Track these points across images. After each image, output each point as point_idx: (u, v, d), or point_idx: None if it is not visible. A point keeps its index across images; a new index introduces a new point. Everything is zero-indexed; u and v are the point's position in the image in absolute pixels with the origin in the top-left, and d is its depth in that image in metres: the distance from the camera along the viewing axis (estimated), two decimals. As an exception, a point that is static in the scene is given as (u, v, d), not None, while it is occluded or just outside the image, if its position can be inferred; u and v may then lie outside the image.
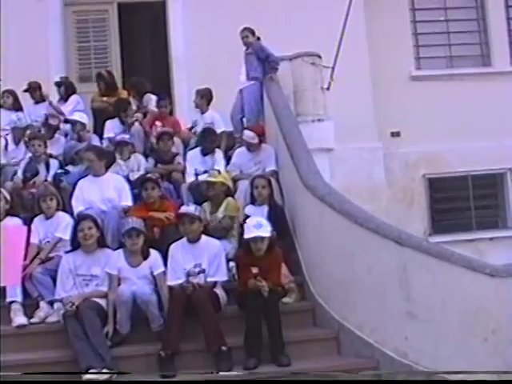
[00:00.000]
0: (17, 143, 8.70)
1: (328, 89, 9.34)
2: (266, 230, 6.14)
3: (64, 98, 9.66)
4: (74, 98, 9.62)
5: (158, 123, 9.04)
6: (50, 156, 8.25)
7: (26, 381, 5.50)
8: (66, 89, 9.70)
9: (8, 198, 7.10)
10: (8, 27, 10.98)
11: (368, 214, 6.05)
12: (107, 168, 7.59)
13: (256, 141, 8.11)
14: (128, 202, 7.26)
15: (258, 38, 9.18)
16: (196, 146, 8.43)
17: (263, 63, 9.01)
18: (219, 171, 7.53)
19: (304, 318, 6.53)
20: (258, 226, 6.13)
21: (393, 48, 11.87)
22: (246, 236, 6.16)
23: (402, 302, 5.54)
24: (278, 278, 6.21)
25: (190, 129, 9.23)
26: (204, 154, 8.18)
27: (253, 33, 9.15)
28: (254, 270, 6.06)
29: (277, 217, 6.96)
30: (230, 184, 7.45)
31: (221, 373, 5.67)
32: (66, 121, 8.96)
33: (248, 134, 8.22)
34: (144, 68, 11.96)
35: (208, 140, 8.26)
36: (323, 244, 6.53)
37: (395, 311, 5.60)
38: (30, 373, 5.41)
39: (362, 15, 11.39)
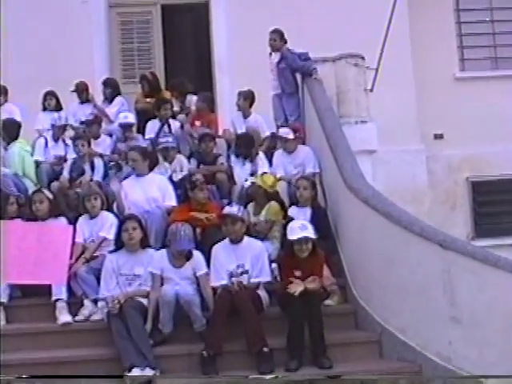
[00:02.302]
0: (56, 141, 8.81)
1: (371, 90, 9.30)
2: (310, 232, 6.13)
3: (109, 99, 9.75)
4: (118, 100, 9.71)
5: (197, 122, 9.08)
6: (101, 155, 8.35)
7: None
8: (113, 89, 9.78)
9: (51, 197, 7.20)
10: (53, 29, 11.16)
11: (412, 217, 6.00)
12: (151, 169, 7.66)
13: (291, 136, 8.06)
14: (172, 201, 7.32)
15: (285, 42, 9.12)
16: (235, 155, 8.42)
17: (294, 73, 8.99)
18: (264, 173, 7.53)
19: (346, 321, 6.50)
20: (303, 228, 6.12)
21: (437, 49, 11.75)
22: (290, 237, 6.13)
23: (445, 307, 5.48)
24: (320, 278, 6.19)
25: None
26: (244, 156, 8.18)
27: (281, 36, 9.09)
28: (297, 273, 6.06)
29: (319, 219, 6.94)
30: (277, 188, 7.42)
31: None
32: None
33: (283, 131, 8.21)
34: (187, 69, 12.02)
35: (243, 147, 8.20)
36: (366, 246, 6.50)
37: (439, 315, 5.54)
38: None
39: (406, 16, 11.29)
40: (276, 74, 9.10)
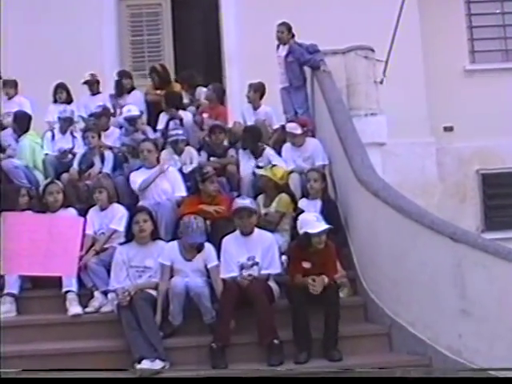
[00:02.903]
0: (63, 133, 8.82)
1: (381, 83, 9.27)
2: (323, 224, 6.11)
3: (120, 91, 9.72)
4: (134, 94, 9.70)
5: (204, 115, 9.08)
6: (110, 148, 8.37)
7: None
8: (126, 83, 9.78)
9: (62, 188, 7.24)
10: (63, 21, 11.17)
11: (422, 210, 5.99)
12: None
13: (299, 131, 8.03)
14: (182, 192, 7.35)
15: (293, 36, 9.09)
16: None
17: (302, 66, 8.98)
18: (273, 166, 7.53)
19: (356, 314, 6.49)
20: (320, 220, 6.13)
21: (447, 41, 11.71)
22: (310, 230, 6.07)
23: (456, 300, 5.46)
24: (334, 273, 6.19)
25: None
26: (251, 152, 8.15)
27: (289, 29, 9.06)
28: (306, 265, 6.06)
29: (330, 211, 6.94)
30: (288, 180, 7.43)
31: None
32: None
33: (290, 125, 8.19)
34: (196, 62, 12.01)
35: (249, 140, 8.15)
36: (376, 239, 6.49)
37: (449, 308, 5.54)
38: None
39: (416, 8, 11.25)
40: (284, 68, 9.08)
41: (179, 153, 8.06)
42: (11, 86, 9.74)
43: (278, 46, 9.18)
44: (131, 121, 8.72)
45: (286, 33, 9.03)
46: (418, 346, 5.82)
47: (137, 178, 7.43)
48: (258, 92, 9.08)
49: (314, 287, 5.89)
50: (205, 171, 7.19)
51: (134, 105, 9.00)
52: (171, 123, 8.75)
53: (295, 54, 8.96)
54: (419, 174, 11.11)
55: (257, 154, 8.04)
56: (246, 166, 7.95)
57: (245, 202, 6.51)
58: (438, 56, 11.53)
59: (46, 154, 8.56)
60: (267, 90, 9.20)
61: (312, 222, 6.12)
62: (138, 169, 7.65)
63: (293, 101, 9.05)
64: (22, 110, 9.07)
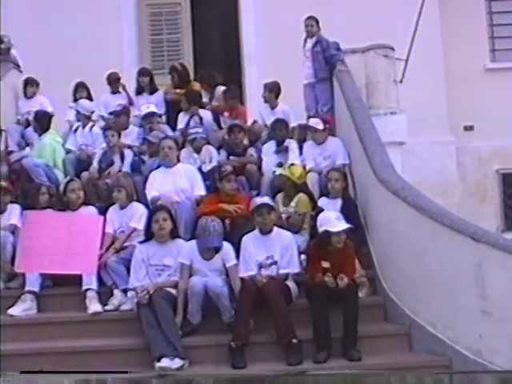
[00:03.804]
0: (84, 127, 8.89)
1: (401, 81, 9.23)
2: (344, 224, 6.10)
3: (142, 88, 9.75)
4: (158, 94, 9.72)
5: (225, 114, 9.08)
6: (129, 147, 8.40)
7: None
8: (151, 79, 9.78)
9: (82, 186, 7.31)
10: (83, 21, 11.24)
11: (442, 209, 5.95)
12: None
13: (321, 126, 8.03)
14: (201, 191, 7.35)
15: (319, 29, 9.15)
16: (268, 139, 8.45)
17: (327, 59, 8.99)
18: (292, 164, 7.53)
19: (375, 313, 6.46)
20: (340, 219, 6.13)
21: (467, 40, 11.66)
22: (331, 229, 6.04)
23: (476, 300, 5.42)
24: (352, 273, 6.17)
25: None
26: (278, 145, 8.19)
27: (317, 22, 9.12)
28: (325, 264, 6.04)
29: (350, 210, 6.92)
30: (306, 179, 7.43)
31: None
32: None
33: (313, 120, 8.20)
34: (215, 61, 12.03)
35: (279, 130, 8.27)
36: (396, 238, 6.46)
37: (469, 308, 5.49)
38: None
39: (436, 6, 11.22)
40: (310, 60, 9.08)
41: (198, 151, 8.08)
42: (32, 85, 9.81)
43: (305, 41, 9.20)
44: (148, 118, 8.74)
45: (315, 26, 9.10)
46: (437, 347, 5.78)
47: (153, 184, 7.39)
48: (273, 91, 9.09)
49: (332, 283, 5.87)
50: (222, 170, 7.20)
51: (155, 105, 9.05)
52: (191, 121, 8.77)
53: (322, 45, 9.00)
54: (439, 174, 11.06)
55: (282, 148, 8.07)
56: (269, 161, 7.97)
57: (263, 199, 6.54)
58: (459, 54, 11.47)
59: (67, 153, 8.60)
60: (286, 88, 9.17)
61: (332, 220, 6.10)
62: (157, 167, 7.66)
63: (317, 97, 9.04)
64: (42, 110, 9.16)
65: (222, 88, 9.54)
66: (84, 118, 8.91)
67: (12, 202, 7.31)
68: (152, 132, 8.48)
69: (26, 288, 6.60)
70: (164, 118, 9.31)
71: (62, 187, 7.30)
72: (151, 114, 8.80)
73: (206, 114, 8.98)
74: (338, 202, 7.08)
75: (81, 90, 9.65)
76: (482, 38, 12.07)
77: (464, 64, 11.58)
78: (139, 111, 9.20)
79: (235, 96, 9.24)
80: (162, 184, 7.34)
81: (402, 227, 6.33)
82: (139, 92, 9.74)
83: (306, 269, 6.36)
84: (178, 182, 7.38)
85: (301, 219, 7.01)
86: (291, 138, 8.44)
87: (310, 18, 9.14)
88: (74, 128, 8.94)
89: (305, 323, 6.00)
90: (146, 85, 9.71)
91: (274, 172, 7.55)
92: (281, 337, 5.89)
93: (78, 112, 8.99)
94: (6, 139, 9.05)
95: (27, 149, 8.81)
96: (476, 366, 5.35)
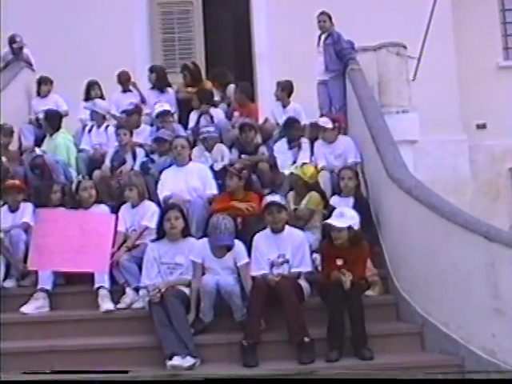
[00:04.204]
0: (98, 127, 8.93)
1: (413, 80, 9.21)
2: (343, 221, 6.06)
3: (156, 86, 9.77)
4: (171, 92, 9.74)
5: (235, 113, 9.08)
6: (140, 146, 8.42)
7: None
8: (157, 76, 9.80)
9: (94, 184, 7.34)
10: (95, 20, 11.28)
11: (455, 208, 5.91)
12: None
13: (330, 125, 8.02)
14: (213, 190, 7.35)
15: (333, 25, 9.17)
16: (280, 137, 8.44)
17: (338, 53, 8.99)
18: (304, 164, 7.52)
19: (387, 312, 6.44)
20: (339, 215, 6.09)
21: (480, 37, 11.63)
22: (330, 221, 6.07)
23: (489, 299, 5.38)
24: (362, 272, 6.15)
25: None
26: (290, 144, 8.18)
27: (330, 18, 9.14)
28: (339, 262, 6.03)
29: (362, 209, 6.88)
30: (318, 178, 7.41)
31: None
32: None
33: (322, 119, 8.20)
34: (227, 59, 12.05)
35: (292, 129, 8.29)
36: (408, 237, 6.43)
37: (482, 308, 5.46)
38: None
39: (449, 4, 11.19)
40: (322, 54, 9.09)
41: (210, 150, 8.09)
42: (46, 84, 9.85)
43: (319, 37, 9.20)
44: (162, 117, 8.76)
45: (328, 21, 9.12)
46: (450, 346, 5.75)
47: (165, 184, 7.40)
48: (285, 90, 9.11)
49: (346, 281, 5.85)
50: (228, 167, 7.24)
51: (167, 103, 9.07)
52: (202, 119, 8.78)
53: (333, 37, 9.02)
54: (451, 172, 11.04)
55: (294, 141, 8.10)
56: (282, 159, 7.99)
57: (274, 198, 6.52)
58: (471, 52, 11.44)
59: (80, 151, 8.63)
60: (298, 87, 9.19)
61: (332, 215, 6.11)
62: (169, 166, 7.67)
63: (330, 94, 9.03)
64: (52, 109, 9.19)
65: (233, 86, 9.55)
66: (100, 118, 8.93)
67: (25, 200, 7.34)
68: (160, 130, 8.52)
69: (39, 286, 6.63)
70: (176, 116, 9.31)
71: (74, 186, 7.32)
72: (165, 113, 8.80)
73: (218, 113, 8.97)
74: (350, 201, 7.06)
75: (93, 88, 9.67)
76: (494, 36, 12.04)
77: (477, 62, 11.55)
78: (152, 109, 9.20)
79: (244, 91, 9.23)
80: (174, 183, 7.35)
81: (415, 226, 6.30)
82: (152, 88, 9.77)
83: (321, 267, 6.34)
84: (190, 180, 7.39)
85: (309, 213, 6.98)
86: (303, 136, 8.44)
87: (322, 13, 9.17)
88: (87, 128, 8.96)
89: (317, 322, 5.99)
90: (153, 81, 9.72)
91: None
92: (293, 335, 5.88)
93: (92, 111, 9.00)
94: (20, 139, 9.11)
95: (36, 148, 8.84)
96: (489, 365, 5.32)
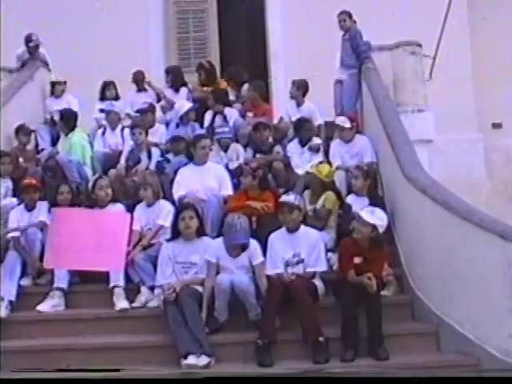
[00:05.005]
0: (113, 129, 8.95)
1: (429, 79, 9.16)
2: (372, 218, 6.09)
3: (172, 87, 9.78)
4: (184, 91, 9.76)
5: (249, 114, 9.06)
6: (156, 145, 8.44)
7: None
8: (174, 77, 9.82)
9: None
10: (110, 19, 11.31)
11: (471, 207, 5.89)
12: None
13: (348, 125, 8.01)
14: (228, 191, 7.35)
15: (355, 22, 9.14)
16: (295, 137, 8.44)
17: (355, 49, 8.98)
18: (320, 163, 7.51)
19: (402, 312, 6.43)
20: (370, 212, 6.16)
21: (496, 36, 11.51)
22: (361, 214, 6.12)
23: (505, 299, 5.35)
24: (379, 273, 6.14)
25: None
26: (302, 144, 8.18)
27: (350, 16, 9.11)
28: (357, 260, 6.04)
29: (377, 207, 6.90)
30: (334, 177, 7.40)
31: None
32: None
33: (340, 119, 8.18)
34: (242, 59, 12.02)
35: (302, 129, 8.27)
36: (423, 237, 6.42)
37: (498, 308, 5.43)
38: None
39: (465, 2, 11.10)
40: (340, 49, 9.10)
41: (226, 149, 8.10)
42: (60, 84, 9.89)
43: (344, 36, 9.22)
44: (187, 116, 8.80)
45: (347, 20, 9.09)
46: (466, 346, 5.72)
47: (181, 182, 7.42)
48: (300, 89, 9.07)
49: (371, 285, 5.86)
50: (243, 166, 7.27)
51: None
52: (216, 119, 8.79)
53: (351, 33, 9.00)
54: (466, 172, 10.96)
55: (306, 142, 8.11)
56: (300, 160, 7.99)
57: (289, 197, 6.50)
58: (487, 51, 11.35)
59: (96, 151, 8.67)
60: (312, 86, 9.16)
61: (368, 211, 6.16)
62: (185, 164, 7.68)
63: (342, 93, 9.02)
64: (67, 108, 9.21)
65: (248, 86, 9.54)
66: (115, 119, 8.95)
67: (41, 199, 7.38)
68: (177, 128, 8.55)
69: (55, 284, 6.66)
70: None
71: (90, 184, 7.34)
72: (192, 109, 8.85)
73: (233, 113, 8.97)
74: (366, 200, 7.05)
75: (108, 88, 9.70)
76: (510, 34, 11.91)
77: (492, 60, 11.45)
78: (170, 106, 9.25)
79: (258, 89, 9.20)
80: (190, 181, 7.37)
81: (430, 225, 6.28)
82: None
83: (338, 263, 6.35)
84: (207, 180, 7.40)
85: (327, 213, 6.98)
86: (317, 135, 8.43)
87: (342, 12, 9.15)
88: (100, 131, 8.97)
89: (332, 322, 5.99)
90: (170, 82, 9.77)
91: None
92: (307, 335, 5.87)
93: (108, 112, 9.02)
94: (36, 138, 9.15)
95: (46, 147, 8.89)
96: (505, 366, 5.29)
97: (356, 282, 5.90)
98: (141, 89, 9.87)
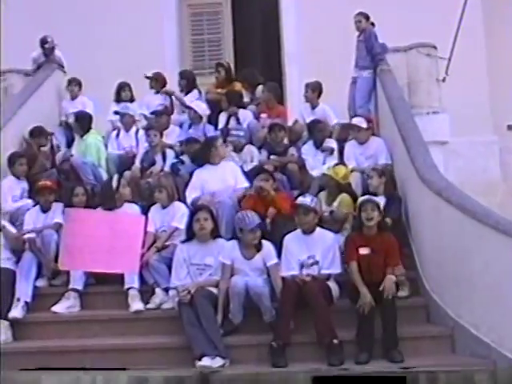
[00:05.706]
0: (127, 131, 8.98)
1: (443, 80, 9.14)
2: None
3: (184, 91, 9.81)
4: (195, 92, 9.77)
5: (263, 115, 9.06)
6: (170, 147, 8.45)
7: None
8: (187, 82, 9.85)
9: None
10: (125, 21, 11.35)
11: (487, 210, 5.85)
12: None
13: (364, 125, 8.01)
14: (244, 183, 7.42)
15: (372, 24, 9.14)
16: (309, 139, 8.44)
17: (369, 51, 8.97)
18: (336, 164, 7.50)
19: (417, 314, 6.40)
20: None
21: (511, 36, 11.45)
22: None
23: (521, 302, 5.34)
24: (396, 261, 6.19)
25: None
26: (317, 146, 8.18)
27: (367, 18, 9.13)
28: (364, 251, 6.07)
29: (392, 207, 6.91)
30: (349, 179, 7.41)
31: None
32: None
33: (356, 119, 8.19)
34: (256, 61, 12.07)
35: (314, 131, 8.29)
36: (439, 239, 6.38)
37: (514, 311, 5.41)
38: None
39: (480, 4, 11.04)
40: (355, 50, 9.12)
41: (240, 151, 8.11)
42: (75, 85, 9.94)
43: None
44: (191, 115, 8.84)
45: (363, 21, 9.12)
46: (481, 349, 5.68)
47: (196, 185, 7.47)
48: (315, 91, 9.09)
49: (389, 293, 5.89)
50: (260, 168, 7.31)
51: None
52: (231, 121, 8.80)
53: (366, 34, 9.01)
54: (481, 174, 10.90)
55: (320, 143, 8.14)
56: (314, 162, 8.01)
57: (305, 199, 6.50)
58: (502, 52, 11.30)
59: (110, 153, 8.70)
60: (327, 88, 9.16)
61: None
62: (201, 165, 7.69)
63: (355, 93, 9.01)
64: (82, 110, 9.26)
65: (262, 88, 9.54)
66: (130, 121, 8.98)
67: (56, 200, 7.41)
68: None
69: (70, 286, 6.70)
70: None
71: (114, 183, 7.34)
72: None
73: (247, 115, 8.98)
74: (382, 199, 7.01)
75: (123, 90, 9.73)
76: (526, 36, 11.86)
77: (508, 62, 11.39)
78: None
79: (272, 90, 9.20)
80: (206, 181, 7.43)
81: (446, 228, 6.25)
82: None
83: (345, 255, 6.37)
84: (225, 178, 7.45)
85: (345, 216, 6.97)
86: (330, 137, 8.41)
87: (358, 14, 9.19)
88: (114, 133, 9.01)
89: (346, 324, 5.98)
90: (183, 87, 9.81)
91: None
92: (321, 337, 5.86)
93: (123, 114, 9.05)
94: (51, 141, 9.20)
95: (63, 149, 8.93)
96: (521, 369, 5.27)
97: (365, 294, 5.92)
98: (158, 91, 9.88)
